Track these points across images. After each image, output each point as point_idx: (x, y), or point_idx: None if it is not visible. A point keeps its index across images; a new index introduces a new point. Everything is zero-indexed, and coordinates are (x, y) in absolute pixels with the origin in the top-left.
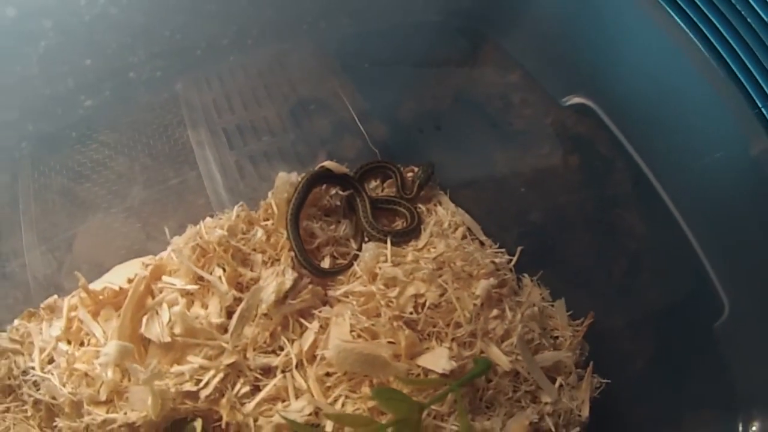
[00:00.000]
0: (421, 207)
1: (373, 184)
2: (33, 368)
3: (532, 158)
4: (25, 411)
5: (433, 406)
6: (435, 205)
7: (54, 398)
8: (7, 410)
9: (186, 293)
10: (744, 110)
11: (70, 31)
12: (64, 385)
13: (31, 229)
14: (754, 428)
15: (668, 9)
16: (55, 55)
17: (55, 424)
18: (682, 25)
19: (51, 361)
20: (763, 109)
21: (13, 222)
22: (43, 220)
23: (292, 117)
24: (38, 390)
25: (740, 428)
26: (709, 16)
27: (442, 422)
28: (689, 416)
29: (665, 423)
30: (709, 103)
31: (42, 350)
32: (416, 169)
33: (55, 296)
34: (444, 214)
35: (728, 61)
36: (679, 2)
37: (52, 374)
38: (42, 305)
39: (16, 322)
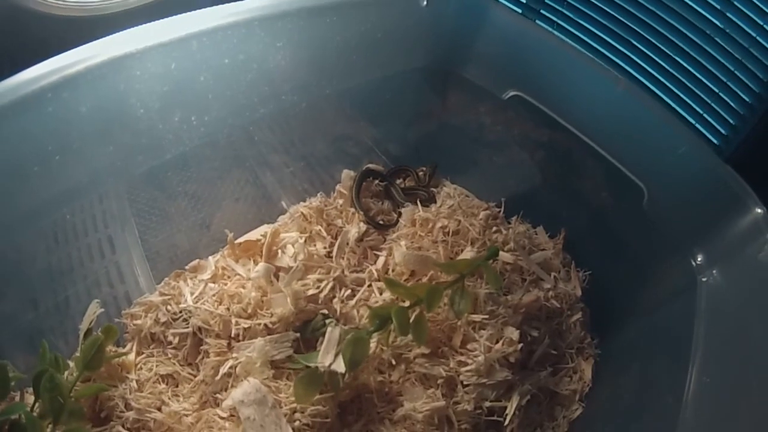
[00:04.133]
0: (433, 189)
1: (398, 181)
2: (185, 309)
3: (504, 152)
4: (166, 354)
5: (468, 283)
6: (441, 188)
7: (205, 322)
8: (151, 355)
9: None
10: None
11: (264, 70)
12: (216, 309)
13: (177, 214)
14: (699, 259)
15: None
16: (253, 83)
17: (202, 348)
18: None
19: (198, 300)
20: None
21: (165, 205)
22: (186, 207)
23: (332, 145)
24: (187, 325)
25: (692, 263)
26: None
27: (477, 289)
28: (654, 270)
29: (639, 284)
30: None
31: (192, 293)
32: (425, 168)
33: (198, 260)
34: (448, 191)
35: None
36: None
37: (206, 303)
38: (187, 267)
39: (165, 280)
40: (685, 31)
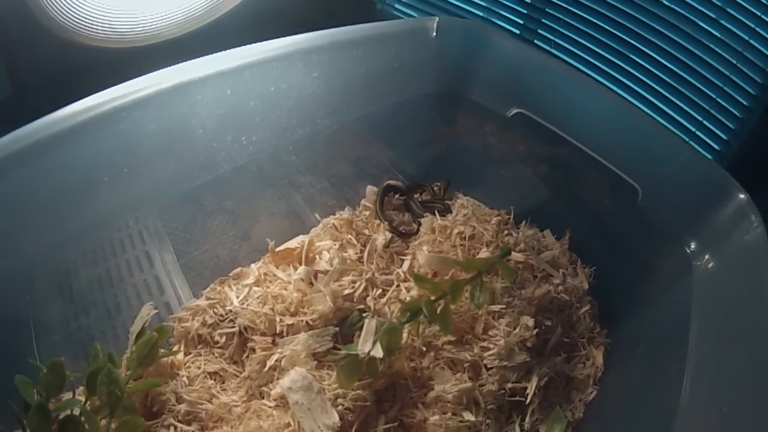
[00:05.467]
0: (448, 202)
1: (415, 195)
2: (231, 311)
3: (511, 165)
4: (213, 353)
5: (485, 279)
6: (455, 200)
7: (251, 321)
8: (199, 355)
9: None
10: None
11: (302, 97)
12: (261, 308)
13: (218, 228)
14: (692, 246)
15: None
16: (293, 108)
17: (248, 345)
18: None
19: (243, 302)
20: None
21: (208, 216)
22: (226, 221)
23: (356, 165)
24: (233, 325)
25: (687, 251)
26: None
27: (494, 284)
28: (652, 261)
29: (640, 275)
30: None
31: (237, 296)
32: (439, 183)
33: (240, 268)
34: (462, 202)
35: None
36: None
37: (252, 305)
38: (231, 274)
39: (211, 286)
40: (679, 40)
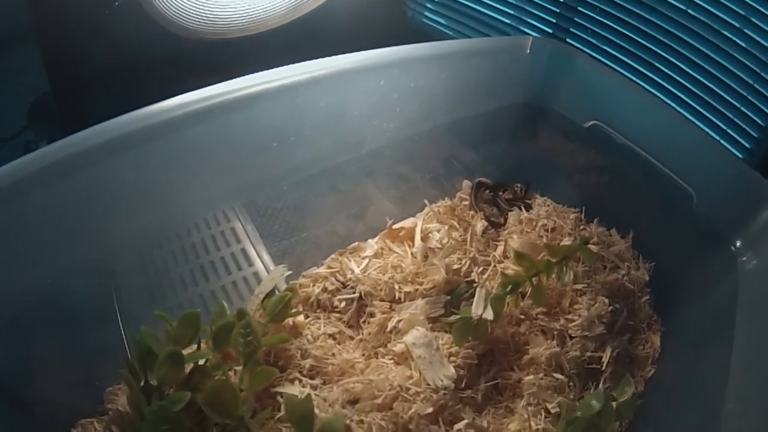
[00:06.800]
0: (528, 201)
1: (500, 193)
2: (351, 279)
3: (583, 170)
4: (330, 318)
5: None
6: (534, 199)
7: (373, 287)
8: (318, 318)
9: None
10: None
11: (430, 95)
12: (382, 276)
13: (337, 204)
14: (738, 244)
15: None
16: (422, 103)
17: (366, 310)
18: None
19: (365, 271)
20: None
21: (324, 198)
22: (347, 198)
23: (450, 161)
24: (354, 292)
25: (732, 249)
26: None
27: (575, 268)
28: (703, 258)
29: (691, 270)
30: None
31: (358, 266)
32: (520, 185)
33: (357, 243)
34: (540, 201)
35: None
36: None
37: (373, 273)
38: (348, 248)
39: (331, 257)
40: (705, 50)
